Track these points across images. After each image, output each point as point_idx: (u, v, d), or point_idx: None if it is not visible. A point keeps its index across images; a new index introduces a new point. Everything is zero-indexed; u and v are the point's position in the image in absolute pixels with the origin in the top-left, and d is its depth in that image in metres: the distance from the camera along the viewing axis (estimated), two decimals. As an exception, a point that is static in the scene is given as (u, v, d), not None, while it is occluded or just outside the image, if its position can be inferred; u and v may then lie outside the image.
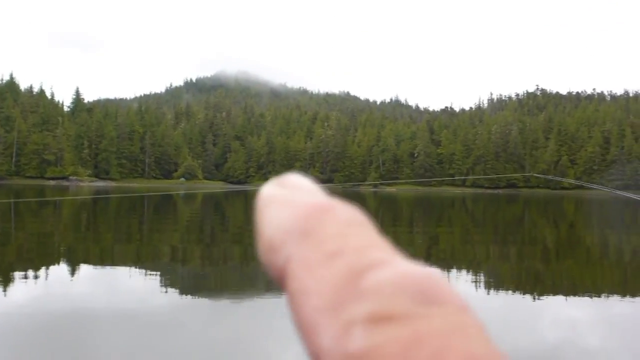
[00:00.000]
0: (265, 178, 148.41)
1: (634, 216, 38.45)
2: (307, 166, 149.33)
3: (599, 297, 9.78)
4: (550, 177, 10.68)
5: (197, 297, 9.63)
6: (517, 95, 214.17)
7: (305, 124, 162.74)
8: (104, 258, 13.89)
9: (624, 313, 8.63)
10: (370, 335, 0.19)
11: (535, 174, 10.61)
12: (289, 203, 0.26)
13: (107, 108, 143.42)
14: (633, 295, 10.17)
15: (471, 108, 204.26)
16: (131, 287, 9.98)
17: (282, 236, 0.25)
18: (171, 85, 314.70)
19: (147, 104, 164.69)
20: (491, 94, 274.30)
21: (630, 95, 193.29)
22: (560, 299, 9.76)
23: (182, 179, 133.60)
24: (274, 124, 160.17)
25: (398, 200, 61.74)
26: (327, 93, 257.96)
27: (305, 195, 0.26)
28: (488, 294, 10.09)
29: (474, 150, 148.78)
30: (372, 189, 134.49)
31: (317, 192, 0.28)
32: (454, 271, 12.78)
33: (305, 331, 0.22)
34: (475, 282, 11.37)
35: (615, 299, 9.62)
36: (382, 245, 0.23)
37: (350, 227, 0.23)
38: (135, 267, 12.34)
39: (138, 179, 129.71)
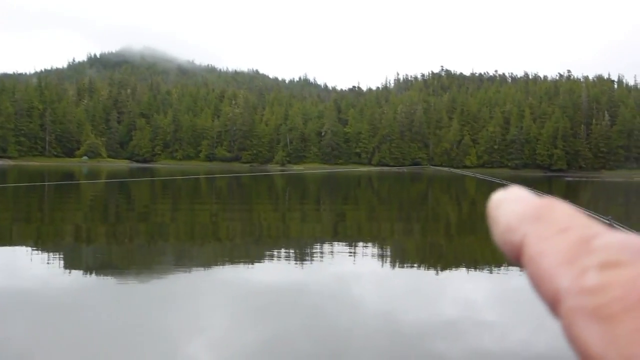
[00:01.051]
0: (171, 157, 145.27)
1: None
2: (214, 144, 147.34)
3: (499, 271, 10.11)
4: (446, 168, 10.96)
5: (102, 277, 9.24)
6: (423, 75, 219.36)
7: (212, 102, 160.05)
8: (1, 238, 13.10)
9: (521, 286, 8.96)
10: (602, 275, 0.25)
11: (431, 165, 10.91)
12: (521, 199, 0.33)
13: (4, 83, 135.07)
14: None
15: (378, 88, 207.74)
16: (31, 267, 9.43)
17: (518, 220, 0.31)
18: (74, 61, 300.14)
19: (47, 79, 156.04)
20: (398, 73, 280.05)
21: (530, 77, 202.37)
22: (462, 272, 10.04)
23: (85, 158, 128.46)
24: (180, 101, 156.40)
25: (306, 179, 62.04)
26: (235, 71, 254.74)
27: (531, 196, 0.33)
28: (393, 268, 10.25)
29: (380, 130, 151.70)
30: (279, 167, 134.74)
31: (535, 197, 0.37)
32: (360, 247, 12.90)
33: (542, 281, 0.29)
34: (381, 257, 11.52)
35: (513, 273, 9.98)
36: (600, 224, 0.29)
37: (572, 214, 0.30)
38: (36, 248, 11.71)
39: (38, 157, 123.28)
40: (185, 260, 10.89)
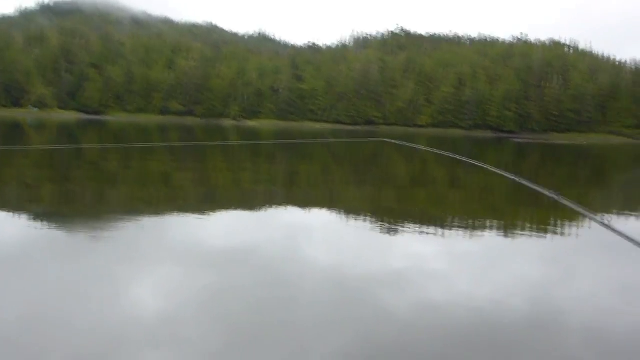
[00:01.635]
0: (123, 109, 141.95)
1: (481, 151, 41.33)
2: (167, 97, 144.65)
3: (448, 228, 10.51)
4: (400, 142, 11.25)
5: (50, 233, 9.27)
6: (380, 34, 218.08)
7: (166, 54, 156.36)
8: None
9: (468, 246, 9.38)
10: None
11: (385, 139, 11.35)
12: None
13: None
14: (475, 228, 11.02)
15: (336, 45, 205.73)
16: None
17: None
18: (24, 9, 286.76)
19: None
20: (356, 31, 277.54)
21: (486, 40, 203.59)
22: (411, 228, 10.39)
23: (34, 108, 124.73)
24: (133, 53, 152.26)
25: (260, 134, 61.84)
26: (192, 23, 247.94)
27: None
28: (344, 224, 10.55)
29: (336, 87, 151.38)
30: (233, 122, 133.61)
31: None
32: (314, 207, 13.15)
33: None
34: (333, 213, 11.80)
35: (460, 230, 10.39)
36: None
37: None
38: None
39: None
40: (135, 213, 10.95)
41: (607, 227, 3.39)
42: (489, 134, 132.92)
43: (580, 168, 30.83)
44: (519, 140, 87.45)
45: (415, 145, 9.76)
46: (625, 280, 6.98)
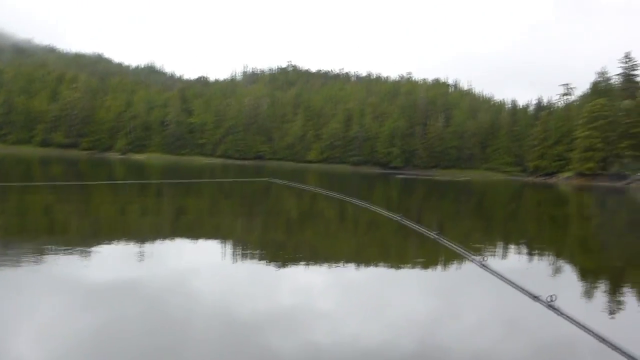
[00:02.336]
0: (3, 140, 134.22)
1: (370, 187, 42.42)
2: (50, 129, 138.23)
3: (337, 264, 10.60)
4: (286, 182, 11.49)
5: None
6: (270, 69, 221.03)
7: (50, 84, 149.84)
8: None
9: (357, 278, 9.50)
10: None
11: (270, 179, 11.57)
12: None
13: None
14: (365, 262, 11.20)
15: (226, 79, 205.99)
16: None
17: None
18: None
19: None
20: (246, 66, 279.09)
21: (373, 77, 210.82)
22: (300, 265, 10.41)
23: None
24: (14, 82, 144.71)
25: (147, 168, 60.35)
26: (77, 53, 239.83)
27: None
28: (234, 262, 10.41)
29: (225, 121, 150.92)
30: (120, 156, 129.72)
31: None
32: (201, 241, 12.92)
33: None
34: (222, 251, 11.63)
35: (350, 266, 10.52)
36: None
37: None
38: None
39: None
40: (12, 251, 10.29)
41: (484, 266, 3.51)
42: (375, 170, 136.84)
43: (462, 204, 32.25)
44: (404, 176, 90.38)
45: (302, 186, 9.90)
46: (504, 316, 7.30)
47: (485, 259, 3.52)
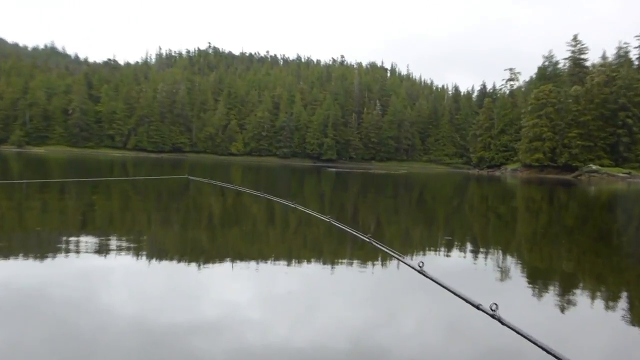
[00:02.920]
0: None
1: (300, 182, 42.54)
2: None
3: (264, 267, 10.57)
4: (207, 180, 11.40)
5: None
6: (188, 52, 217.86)
7: None
8: None
9: (285, 283, 9.50)
10: None
11: (189, 177, 11.52)
12: None
13: None
14: (293, 267, 11.21)
15: (137, 62, 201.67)
16: None
17: None
18: None
19: None
20: (160, 48, 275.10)
21: (303, 60, 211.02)
22: (225, 268, 10.32)
23: None
24: None
25: (48, 163, 58.67)
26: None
27: None
28: (150, 263, 10.22)
29: (137, 110, 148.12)
30: (16, 149, 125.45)
31: None
32: (113, 241, 12.63)
33: None
34: (137, 251, 11.41)
35: (278, 268, 10.51)
36: None
37: None
38: None
39: None
40: None
41: (420, 271, 3.55)
42: (307, 163, 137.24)
43: (399, 200, 32.73)
44: (337, 169, 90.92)
45: (225, 184, 9.81)
46: (443, 323, 7.43)
47: (422, 264, 3.55)
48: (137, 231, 15.02)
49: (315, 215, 5.88)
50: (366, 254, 12.13)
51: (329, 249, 13.63)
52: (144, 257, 11.11)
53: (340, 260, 11.83)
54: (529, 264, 12.96)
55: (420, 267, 3.50)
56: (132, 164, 68.11)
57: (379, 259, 11.59)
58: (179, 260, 11.03)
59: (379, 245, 4.29)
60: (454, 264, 11.87)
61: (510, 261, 13.13)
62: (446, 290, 3.36)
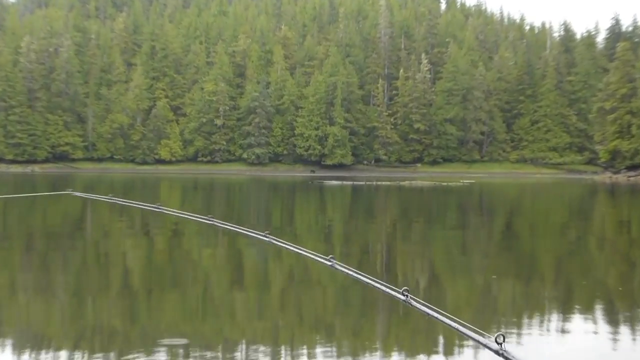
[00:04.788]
0: None
1: (286, 205, 42.62)
2: None
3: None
4: (105, 197, 11.71)
5: None
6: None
7: None
8: None
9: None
10: None
11: (74, 192, 11.63)
12: None
13: None
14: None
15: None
16: None
17: None
18: None
19: None
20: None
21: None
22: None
23: None
24: None
25: None
26: None
27: None
28: None
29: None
30: None
31: None
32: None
33: None
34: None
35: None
36: None
37: None
38: None
39: None
40: None
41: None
42: (299, 172, 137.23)
43: (468, 230, 32.76)
44: (352, 182, 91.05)
45: (144, 205, 9.81)
46: None
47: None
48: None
49: (309, 255, 5.88)
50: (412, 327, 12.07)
51: (351, 324, 13.61)
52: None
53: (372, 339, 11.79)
54: None
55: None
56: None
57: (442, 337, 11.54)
58: None
59: (422, 308, 4.30)
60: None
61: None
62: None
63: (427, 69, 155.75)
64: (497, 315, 14.07)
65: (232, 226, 5.97)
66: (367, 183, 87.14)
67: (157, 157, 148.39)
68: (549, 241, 29.64)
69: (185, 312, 14.50)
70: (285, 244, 5.48)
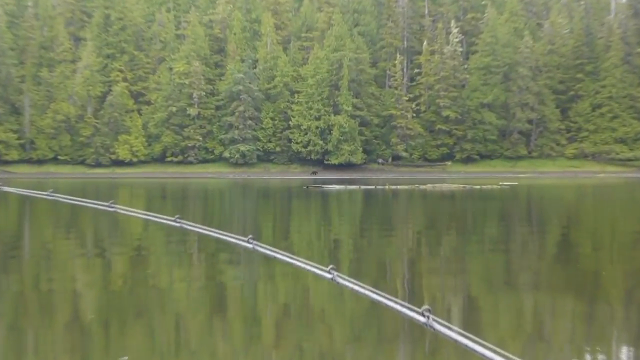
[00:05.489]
0: None
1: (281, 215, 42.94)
2: None
3: None
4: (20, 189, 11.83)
5: None
6: None
7: None
8: None
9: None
10: None
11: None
12: None
13: None
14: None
15: None
16: None
17: None
18: None
19: None
20: None
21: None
22: None
23: None
24: None
25: None
26: None
27: None
28: None
29: None
30: None
31: None
32: None
33: None
34: None
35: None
36: None
37: None
38: None
39: None
40: None
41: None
42: (295, 174, 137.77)
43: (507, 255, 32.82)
44: (360, 186, 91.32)
45: (89, 202, 9.99)
46: None
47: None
48: None
49: (306, 267, 5.88)
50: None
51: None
52: None
53: None
54: None
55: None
56: None
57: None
58: None
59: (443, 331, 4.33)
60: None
61: None
62: None
63: (457, 40, 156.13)
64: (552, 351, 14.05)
65: (204, 228, 5.98)
66: (378, 187, 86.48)
67: (113, 157, 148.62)
68: (619, 264, 29.45)
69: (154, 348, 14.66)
70: (274, 251, 5.46)
